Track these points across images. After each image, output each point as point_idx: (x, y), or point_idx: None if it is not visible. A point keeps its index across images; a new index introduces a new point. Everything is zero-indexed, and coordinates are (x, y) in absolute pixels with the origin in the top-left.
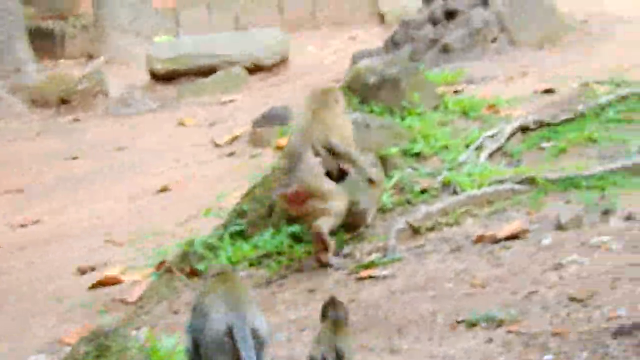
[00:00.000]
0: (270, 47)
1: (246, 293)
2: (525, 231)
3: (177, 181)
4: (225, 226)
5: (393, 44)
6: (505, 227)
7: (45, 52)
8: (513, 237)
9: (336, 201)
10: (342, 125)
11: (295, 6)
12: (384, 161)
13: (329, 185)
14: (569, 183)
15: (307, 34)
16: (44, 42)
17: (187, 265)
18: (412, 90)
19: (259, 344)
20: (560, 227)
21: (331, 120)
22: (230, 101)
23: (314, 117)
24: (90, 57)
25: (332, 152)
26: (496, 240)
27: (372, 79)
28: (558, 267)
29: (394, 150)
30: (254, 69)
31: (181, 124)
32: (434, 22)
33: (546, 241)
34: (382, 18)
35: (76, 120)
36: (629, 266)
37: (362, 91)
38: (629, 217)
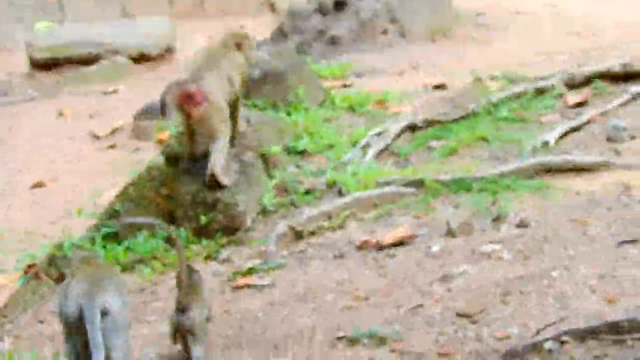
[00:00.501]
0: (157, 37)
1: (106, 275)
2: (412, 237)
3: (53, 176)
4: (98, 227)
5: (280, 35)
6: (391, 233)
7: None
8: (399, 243)
9: (226, 129)
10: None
11: None
12: (265, 160)
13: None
14: (460, 186)
15: (196, 24)
16: None
17: (55, 269)
18: (298, 84)
19: (113, 325)
20: (449, 233)
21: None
22: (113, 92)
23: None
24: None
25: None
26: (381, 247)
27: (255, 73)
28: (446, 278)
29: (276, 148)
30: (139, 59)
31: (60, 114)
32: (323, 12)
33: (434, 248)
34: (272, 7)
35: None
36: (519, 278)
37: (247, 86)
38: (520, 224)
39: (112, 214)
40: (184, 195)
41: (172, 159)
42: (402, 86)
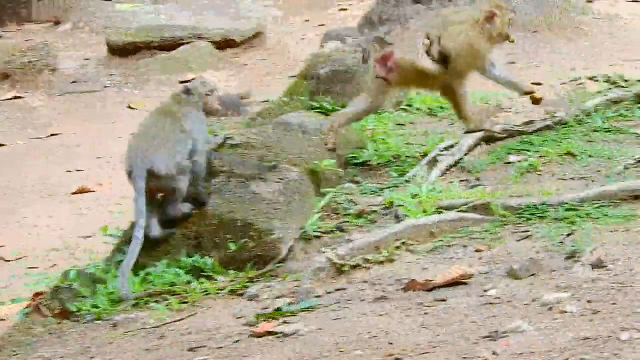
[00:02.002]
0: (245, 20)
1: (167, 126)
2: (468, 276)
3: (101, 182)
4: (116, 251)
5: (369, 23)
6: (445, 271)
7: (9, 15)
8: (453, 283)
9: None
10: None
11: None
12: (316, 176)
13: None
14: (532, 212)
15: (295, 4)
16: (8, 2)
17: (59, 303)
18: None
19: (162, 183)
20: (512, 273)
21: None
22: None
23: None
24: (58, 22)
25: None
26: (431, 288)
27: (323, 70)
28: (495, 335)
29: (329, 161)
30: (224, 44)
31: (130, 107)
32: None
33: (491, 292)
34: None
35: (17, 97)
36: (583, 342)
37: (314, 84)
38: (597, 264)
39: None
40: (210, 218)
41: None
42: (492, 84)
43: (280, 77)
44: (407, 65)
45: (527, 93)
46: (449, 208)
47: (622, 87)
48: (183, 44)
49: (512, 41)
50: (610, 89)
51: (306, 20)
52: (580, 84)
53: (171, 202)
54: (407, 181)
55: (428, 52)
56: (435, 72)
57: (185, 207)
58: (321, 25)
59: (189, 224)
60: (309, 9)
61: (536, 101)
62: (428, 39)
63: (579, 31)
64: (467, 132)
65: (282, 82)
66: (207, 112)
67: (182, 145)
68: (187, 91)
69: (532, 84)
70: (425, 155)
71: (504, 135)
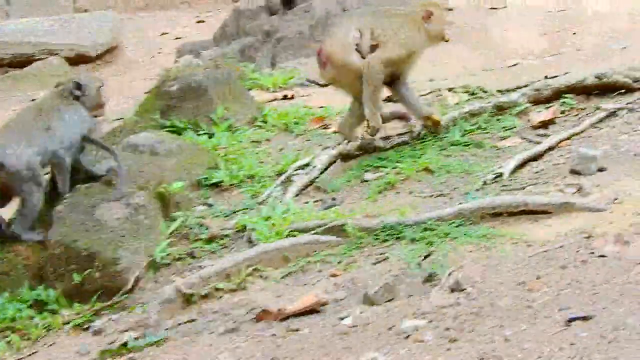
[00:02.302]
0: (99, 34)
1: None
2: (322, 303)
3: None
4: None
5: (224, 35)
6: (299, 299)
7: None
8: (307, 311)
9: None
10: None
11: None
12: (165, 200)
13: None
14: (390, 233)
15: (152, 15)
16: None
17: None
18: (225, 99)
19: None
20: (368, 299)
21: None
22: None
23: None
24: None
25: None
26: (284, 318)
27: (174, 87)
28: None
29: (179, 184)
30: (78, 59)
31: None
32: (271, 11)
33: (346, 321)
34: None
35: None
36: None
37: (165, 101)
38: (455, 288)
39: None
40: (54, 247)
41: None
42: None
43: (136, 94)
44: (336, 59)
45: (426, 118)
46: (303, 231)
47: (481, 98)
48: (35, 60)
49: (447, 41)
50: (469, 100)
51: (164, 34)
52: (440, 95)
53: (21, 208)
54: (260, 203)
55: (358, 46)
56: (360, 67)
57: (30, 234)
58: (178, 38)
59: (31, 254)
60: (166, 22)
61: (435, 124)
62: (359, 32)
63: None
64: (367, 136)
65: (137, 99)
66: (95, 107)
67: (41, 140)
68: (78, 86)
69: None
70: (280, 174)
71: (361, 152)
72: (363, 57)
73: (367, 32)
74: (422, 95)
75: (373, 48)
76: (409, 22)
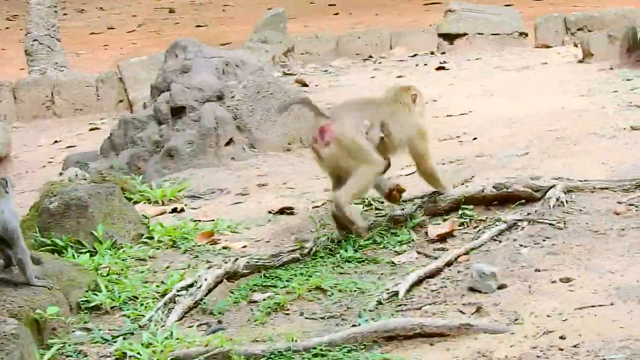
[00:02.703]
0: None
1: None
2: None
3: None
4: None
5: (111, 146)
6: None
7: None
8: None
9: None
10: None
11: (32, 93)
12: (39, 327)
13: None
14: None
15: (45, 124)
16: None
17: None
18: (108, 215)
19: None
20: None
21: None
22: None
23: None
24: None
25: None
26: None
27: (54, 203)
28: None
29: (53, 308)
30: None
31: None
32: (160, 120)
33: None
34: (130, 105)
35: None
36: None
37: (45, 218)
38: None
39: None
40: None
41: None
42: (244, 211)
43: (22, 208)
44: (347, 140)
45: (391, 190)
46: (184, 359)
47: (378, 209)
48: None
49: None
50: (365, 211)
51: (56, 142)
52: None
53: None
54: (142, 327)
55: (367, 136)
56: (371, 153)
57: None
58: (71, 146)
59: None
60: (59, 129)
61: (399, 191)
62: (370, 122)
63: None
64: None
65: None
66: None
67: None
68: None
69: (284, 208)
70: (164, 294)
71: (248, 271)
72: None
73: (377, 123)
74: (315, 207)
75: (381, 139)
76: (408, 111)
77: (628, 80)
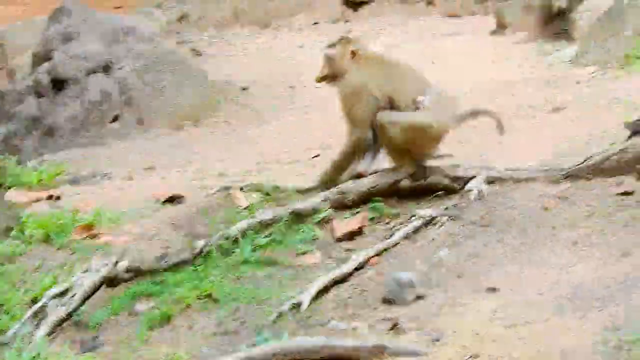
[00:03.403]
0: None
1: None
2: None
3: None
4: None
5: None
6: None
7: None
8: None
9: None
10: None
11: None
12: None
13: None
14: None
15: None
16: None
17: None
18: None
19: None
20: None
21: None
22: None
23: None
24: None
25: None
26: None
27: None
28: None
29: None
30: None
31: None
32: (40, 94)
33: None
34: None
35: None
36: None
37: None
38: None
39: None
40: None
41: None
42: (129, 197)
43: None
44: None
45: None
46: None
47: (278, 199)
48: None
49: None
50: (262, 202)
51: None
52: (228, 195)
53: None
54: (6, 344)
55: None
56: None
57: None
58: None
59: None
60: None
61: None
62: None
63: (235, 125)
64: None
65: None
66: None
67: None
68: None
69: (173, 196)
70: (35, 301)
71: (130, 276)
72: None
73: None
74: (212, 194)
75: None
76: None
77: (546, 55)
